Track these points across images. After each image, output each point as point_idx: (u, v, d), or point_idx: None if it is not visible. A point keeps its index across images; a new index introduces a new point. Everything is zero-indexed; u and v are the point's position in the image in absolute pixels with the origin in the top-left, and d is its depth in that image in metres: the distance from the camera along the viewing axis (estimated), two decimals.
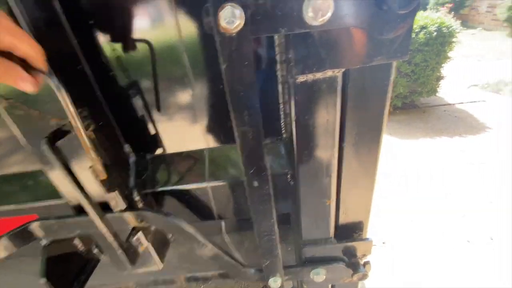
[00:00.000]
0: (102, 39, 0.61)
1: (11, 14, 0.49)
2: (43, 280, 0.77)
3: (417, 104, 4.35)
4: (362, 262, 0.83)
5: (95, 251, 0.83)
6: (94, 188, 0.62)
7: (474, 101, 4.44)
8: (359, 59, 0.50)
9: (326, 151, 0.62)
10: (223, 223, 0.91)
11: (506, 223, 2.25)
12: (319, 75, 0.52)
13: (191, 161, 0.76)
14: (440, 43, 3.55)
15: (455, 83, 5.07)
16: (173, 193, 0.77)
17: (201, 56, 0.64)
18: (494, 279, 1.87)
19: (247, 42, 0.44)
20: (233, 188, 0.77)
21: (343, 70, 0.52)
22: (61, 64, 0.54)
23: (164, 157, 0.76)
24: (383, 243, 2.22)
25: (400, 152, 3.30)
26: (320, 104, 0.56)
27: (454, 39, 3.66)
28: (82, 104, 0.56)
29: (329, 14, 0.42)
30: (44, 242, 0.80)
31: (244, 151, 0.55)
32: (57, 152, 0.52)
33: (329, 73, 0.52)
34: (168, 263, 1.27)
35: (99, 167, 0.60)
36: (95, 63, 0.62)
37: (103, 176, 0.62)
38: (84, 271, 0.90)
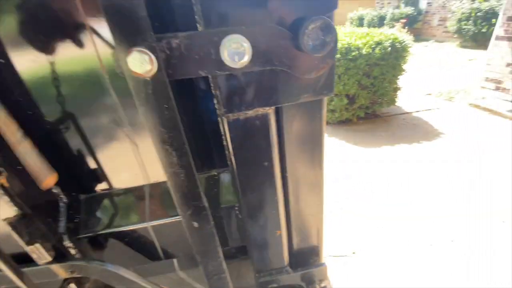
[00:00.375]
0: (22, 74, 0.55)
1: None
2: None
3: (379, 114, 4.62)
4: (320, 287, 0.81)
5: None
6: (11, 240, 0.55)
7: (429, 109, 4.82)
8: (286, 97, 0.50)
9: (268, 183, 0.61)
10: (175, 261, 0.85)
11: (464, 226, 2.40)
12: (250, 113, 0.51)
13: (130, 199, 0.71)
14: (394, 57, 3.83)
15: (411, 93, 5.48)
16: (113, 236, 0.71)
17: (127, 93, 0.60)
18: (455, 277, 1.96)
19: (164, 85, 0.41)
20: (178, 225, 0.73)
21: (273, 107, 0.52)
22: None
23: (100, 197, 0.70)
24: (353, 253, 2.26)
25: (365, 160, 3.45)
26: (255, 139, 0.55)
27: (407, 54, 3.97)
28: None
29: (246, 58, 0.41)
30: None
31: (178, 193, 0.52)
32: None
33: (260, 110, 0.51)
34: None
35: (17, 218, 0.54)
36: (6, 95, 0.56)
37: (22, 226, 0.55)
38: None
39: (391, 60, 3.81)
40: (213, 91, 0.61)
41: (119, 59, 0.39)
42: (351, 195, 2.87)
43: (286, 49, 0.43)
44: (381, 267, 2.12)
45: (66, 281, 0.63)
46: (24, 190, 0.57)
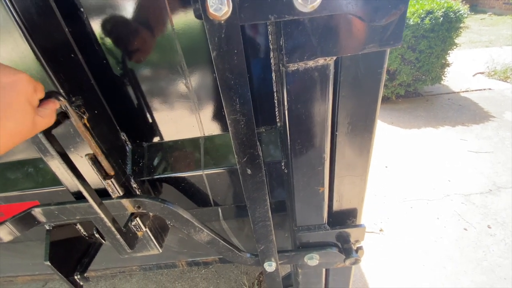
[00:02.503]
0: (95, 27, 0.61)
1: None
2: (47, 263, 0.80)
3: (421, 92, 4.29)
4: (355, 247, 0.85)
5: (97, 235, 0.86)
6: (91, 175, 0.63)
7: (480, 89, 4.36)
8: (351, 46, 0.49)
9: (318, 139, 0.63)
10: (220, 210, 0.93)
11: (509, 207, 2.26)
12: (310, 63, 0.52)
13: (187, 149, 0.77)
14: (446, 29, 3.44)
15: (461, 70, 4.96)
16: (170, 181, 0.78)
17: (197, 45, 0.63)
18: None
19: (236, 29, 0.43)
20: (229, 175, 0.78)
21: (335, 58, 0.52)
22: (54, 52, 0.55)
23: (161, 145, 0.78)
24: (380, 230, 2.26)
25: (401, 141, 3.29)
26: (312, 92, 0.56)
27: (461, 25, 3.55)
28: (76, 92, 0.57)
29: (318, 1, 0.41)
30: (47, 227, 0.83)
31: (237, 139, 0.56)
32: (53, 140, 0.53)
33: (321, 61, 0.51)
34: (169, 248, 1.32)
35: (98, 154, 0.62)
36: (89, 52, 0.62)
37: (100, 163, 0.63)
38: (87, 255, 0.93)
39: (441, 32, 3.44)
40: (272, 43, 0.62)
41: (198, 2, 0.41)
42: (381, 177, 2.80)
43: None
44: (407, 247, 2.10)
45: (133, 215, 0.72)
46: (101, 133, 0.64)
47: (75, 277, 0.88)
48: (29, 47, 0.51)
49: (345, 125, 0.62)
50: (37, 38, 0.52)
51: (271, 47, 0.62)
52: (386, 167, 2.92)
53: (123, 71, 0.67)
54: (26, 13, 0.51)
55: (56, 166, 0.62)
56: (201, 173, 0.76)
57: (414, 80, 3.87)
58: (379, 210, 2.40)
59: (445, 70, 3.95)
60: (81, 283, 0.91)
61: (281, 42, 0.50)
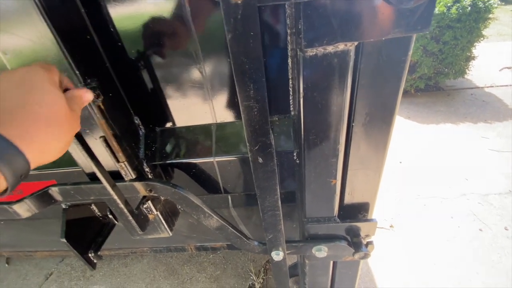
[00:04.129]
0: (111, 9, 0.60)
1: None
2: (63, 240, 0.84)
3: (442, 86, 4.09)
4: (365, 242, 0.83)
5: (111, 216, 0.88)
6: (106, 157, 0.64)
7: (506, 85, 4.12)
8: (374, 31, 0.46)
9: (334, 130, 0.60)
10: (229, 197, 0.93)
11: None
12: (330, 49, 0.49)
13: (199, 135, 0.77)
14: (473, 19, 3.23)
15: (486, 64, 4.69)
16: (181, 166, 0.79)
17: (211, 30, 0.62)
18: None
19: (253, 11, 0.41)
20: (240, 163, 0.78)
21: (356, 43, 0.49)
22: (70, 33, 0.55)
23: (173, 131, 0.78)
24: (391, 226, 2.22)
25: (418, 137, 3.18)
26: (330, 80, 0.53)
27: (490, 15, 3.32)
28: (90, 74, 0.57)
29: None
30: (63, 206, 0.86)
31: (249, 127, 0.55)
32: None
33: (341, 46, 0.49)
34: (179, 232, 1.35)
35: (110, 137, 0.62)
36: (104, 34, 0.62)
37: (113, 146, 0.64)
38: (101, 234, 0.97)
39: (469, 22, 3.23)
40: (289, 27, 0.59)
41: None
42: (394, 172, 2.73)
43: None
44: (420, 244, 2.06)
45: (145, 198, 0.74)
46: (115, 116, 0.64)
47: (89, 255, 0.92)
48: (47, 27, 0.51)
49: (363, 115, 0.60)
50: (54, 18, 0.52)
51: (288, 31, 0.59)
52: (400, 162, 2.84)
53: (138, 55, 0.67)
54: None
55: (72, 147, 0.63)
56: (212, 160, 0.76)
57: (435, 73, 3.69)
58: (390, 206, 2.36)
59: (470, 63, 3.74)
60: (95, 261, 0.94)
61: (299, 25, 0.47)
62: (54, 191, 0.71)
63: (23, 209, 0.70)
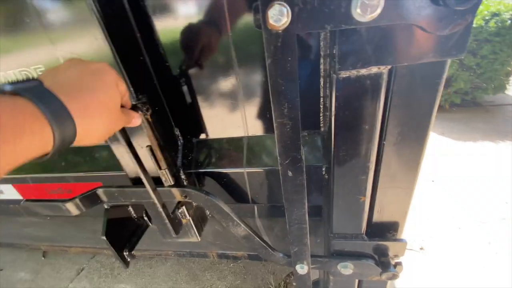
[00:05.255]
0: (161, 34, 0.68)
1: (87, 9, 0.56)
2: (103, 238, 0.91)
3: (480, 102, 3.85)
4: (393, 262, 0.81)
5: (146, 218, 0.95)
6: (149, 164, 0.71)
7: None
8: (408, 56, 0.48)
9: (364, 148, 0.62)
10: (256, 207, 0.96)
11: None
12: (363, 71, 0.51)
13: (231, 147, 0.82)
14: None
15: None
16: (214, 175, 0.84)
17: (247, 50, 0.67)
18: None
19: (292, 38, 0.45)
20: (269, 175, 0.81)
21: (389, 67, 0.51)
22: (126, 55, 0.62)
23: (208, 142, 0.83)
24: (421, 248, 2.10)
25: (452, 155, 3.00)
26: (362, 100, 0.55)
27: None
28: (142, 90, 0.64)
29: (378, 11, 0.41)
30: (105, 206, 0.95)
31: (281, 142, 0.58)
32: (122, 131, 0.61)
33: (374, 69, 0.51)
34: (204, 238, 1.39)
35: (155, 146, 0.69)
36: (154, 55, 0.70)
37: (157, 155, 0.70)
38: (135, 235, 1.04)
39: (509, 36, 3.05)
40: (322, 50, 0.63)
41: (258, 12, 0.44)
42: (426, 192, 2.59)
43: (420, 1, 0.41)
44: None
45: (179, 203, 0.79)
46: (159, 128, 0.71)
47: (124, 253, 0.99)
48: (109, 48, 0.59)
49: (394, 135, 0.60)
50: (114, 40, 0.60)
51: (321, 53, 0.63)
52: (433, 181, 2.69)
53: (181, 72, 0.74)
54: (107, 16, 0.58)
55: (121, 154, 0.70)
56: (243, 170, 0.80)
57: (472, 88, 3.50)
58: (421, 227, 2.23)
59: (510, 78, 3.50)
60: (129, 259, 1.01)
61: (334, 50, 0.51)
62: (101, 193, 0.79)
63: (74, 207, 0.78)
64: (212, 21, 0.65)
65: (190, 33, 0.67)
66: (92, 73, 0.45)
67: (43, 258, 2.49)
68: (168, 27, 0.67)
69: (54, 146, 0.36)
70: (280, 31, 0.45)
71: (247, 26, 0.63)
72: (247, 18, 0.62)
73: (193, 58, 0.71)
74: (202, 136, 0.83)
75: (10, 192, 1.09)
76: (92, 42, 0.58)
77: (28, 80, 0.36)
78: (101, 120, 0.44)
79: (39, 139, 0.34)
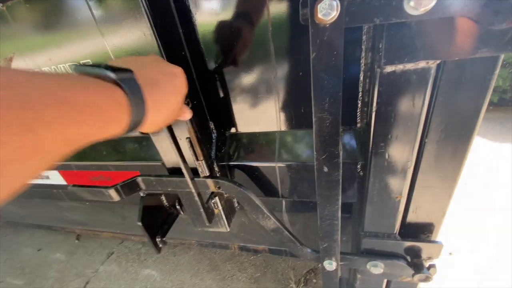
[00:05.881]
0: (200, 31, 0.70)
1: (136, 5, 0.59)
2: (139, 224, 0.97)
3: None
4: (426, 264, 0.79)
5: (178, 207, 0.99)
6: (188, 155, 0.74)
7: None
8: (460, 50, 0.46)
9: (405, 145, 0.60)
10: (284, 202, 0.97)
11: None
12: (410, 66, 0.50)
13: (264, 141, 0.83)
14: None
15: None
16: (245, 168, 0.86)
17: (284, 45, 0.67)
18: None
19: (339, 32, 0.45)
20: (300, 170, 0.81)
21: (438, 61, 0.49)
22: (171, 49, 0.65)
23: (241, 135, 0.85)
24: (450, 253, 2.00)
25: (487, 157, 2.82)
26: (406, 96, 0.54)
27: None
28: None
29: (432, 4, 0.40)
30: (141, 194, 1.00)
31: (319, 137, 0.58)
32: None
33: (421, 64, 0.49)
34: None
35: (194, 138, 0.72)
36: (194, 51, 0.72)
37: (195, 146, 0.73)
38: (167, 222, 1.09)
39: None
40: (365, 44, 0.62)
41: (306, 7, 0.44)
42: (458, 194, 2.45)
43: None
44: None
45: (213, 194, 0.82)
46: (197, 121, 0.74)
47: (157, 239, 1.04)
48: (156, 43, 0.62)
49: (438, 132, 0.58)
50: (161, 35, 0.62)
51: (363, 47, 0.62)
52: (465, 183, 2.55)
53: (218, 68, 0.76)
54: (155, 12, 0.61)
55: (162, 145, 0.74)
56: (275, 165, 0.81)
57: (511, 86, 3.25)
58: (451, 231, 2.13)
59: None
60: (160, 245, 1.06)
61: (380, 44, 0.50)
62: (140, 181, 0.84)
63: (115, 194, 0.83)
64: (251, 16, 0.66)
65: (228, 28, 0.69)
66: (168, 74, 0.50)
67: (76, 241, 2.68)
68: (207, 22, 0.69)
69: (124, 132, 0.40)
70: (327, 25, 0.45)
71: (287, 20, 0.64)
72: (288, 12, 0.63)
73: (228, 54, 0.73)
74: (235, 129, 0.85)
75: (55, 178, 1.18)
76: (140, 37, 0.62)
77: (122, 69, 0.39)
78: (164, 116, 0.49)
79: (118, 126, 0.37)
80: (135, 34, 0.61)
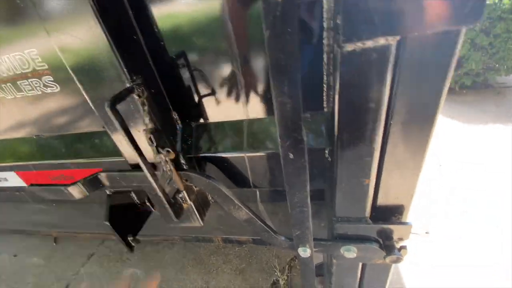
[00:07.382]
0: (155, 11, 0.64)
1: None
2: (106, 223, 0.92)
3: (492, 83, 3.71)
4: (398, 245, 0.80)
5: (148, 204, 0.95)
6: (147, 149, 0.69)
7: None
8: (420, 24, 0.44)
9: (370, 128, 0.59)
10: (258, 192, 0.95)
11: None
12: (369, 44, 0.48)
13: (232, 130, 0.79)
14: None
15: None
16: (214, 160, 0.82)
17: (246, 30, 0.63)
18: None
19: (293, 7, 0.42)
20: (270, 159, 0.79)
21: (398, 38, 0.47)
22: (120, 33, 0.59)
23: (208, 126, 0.81)
24: (426, 232, 2.09)
25: (461, 139, 2.93)
26: (368, 76, 0.52)
27: None
28: (136, 72, 0.61)
29: None
30: (108, 192, 0.95)
31: (282, 122, 0.56)
32: (116, 114, 0.59)
33: (381, 41, 0.47)
34: (208, 223, 1.40)
35: (151, 130, 0.67)
36: (148, 34, 0.66)
37: (154, 138, 0.68)
38: (139, 220, 1.04)
39: None
40: (326, 22, 0.58)
41: None
42: (432, 175, 2.55)
43: None
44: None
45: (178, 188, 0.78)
46: (156, 111, 0.69)
47: (128, 238, 1.00)
48: (101, 29, 0.56)
49: (402, 114, 0.57)
50: (106, 20, 0.57)
51: (325, 26, 0.58)
52: (440, 165, 2.65)
53: (178, 53, 0.71)
54: None
55: (118, 139, 0.69)
56: (243, 155, 0.78)
57: (484, 69, 3.37)
58: (427, 211, 2.22)
59: None
60: (133, 244, 1.02)
61: (338, 20, 0.47)
62: (103, 177, 0.79)
63: (76, 191, 0.78)
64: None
65: (186, 10, 0.63)
66: None
67: (54, 244, 2.57)
68: (162, 4, 0.64)
69: None
70: (279, 0, 0.41)
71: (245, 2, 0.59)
72: None
73: (190, 37, 0.68)
74: (202, 120, 0.81)
75: (14, 180, 1.10)
76: (80, 20, 0.55)
77: None
78: None
79: None
80: (76, 19, 0.55)
